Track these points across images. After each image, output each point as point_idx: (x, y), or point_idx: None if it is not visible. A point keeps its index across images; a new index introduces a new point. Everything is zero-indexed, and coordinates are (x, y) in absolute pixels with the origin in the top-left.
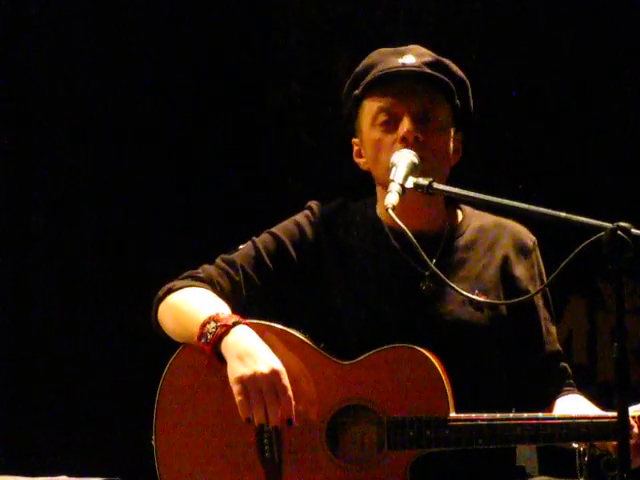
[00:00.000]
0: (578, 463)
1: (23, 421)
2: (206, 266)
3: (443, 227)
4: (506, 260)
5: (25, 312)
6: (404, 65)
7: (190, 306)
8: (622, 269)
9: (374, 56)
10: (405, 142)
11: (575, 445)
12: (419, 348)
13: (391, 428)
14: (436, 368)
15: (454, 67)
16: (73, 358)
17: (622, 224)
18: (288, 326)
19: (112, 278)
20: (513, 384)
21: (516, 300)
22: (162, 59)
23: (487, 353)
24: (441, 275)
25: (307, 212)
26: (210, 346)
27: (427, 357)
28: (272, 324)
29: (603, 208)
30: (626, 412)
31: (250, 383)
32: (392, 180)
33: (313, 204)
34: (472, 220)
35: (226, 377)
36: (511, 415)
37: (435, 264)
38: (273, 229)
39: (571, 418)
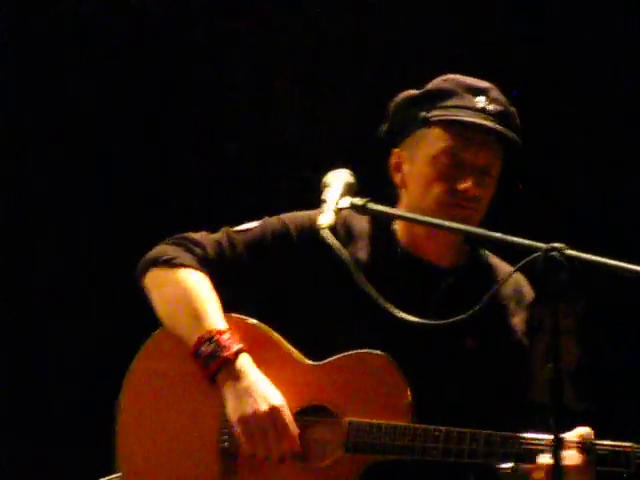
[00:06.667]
0: None
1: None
2: (206, 239)
3: (458, 264)
4: (505, 309)
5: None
6: (484, 111)
7: (185, 306)
8: (557, 290)
9: (449, 83)
10: (460, 195)
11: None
12: (384, 354)
13: (350, 432)
14: (400, 376)
15: (516, 117)
16: (50, 367)
17: (556, 245)
18: (266, 316)
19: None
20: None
21: (456, 318)
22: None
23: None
24: (376, 293)
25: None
26: (208, 372)
27: (392, 364)
28: (247, 318)
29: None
30: (560, 434)
31: (252, 422)
32: (324, 200)
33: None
34: (485, 262)
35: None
36: (468, 430)
37: (437, 298)
38: (285, 216)
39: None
